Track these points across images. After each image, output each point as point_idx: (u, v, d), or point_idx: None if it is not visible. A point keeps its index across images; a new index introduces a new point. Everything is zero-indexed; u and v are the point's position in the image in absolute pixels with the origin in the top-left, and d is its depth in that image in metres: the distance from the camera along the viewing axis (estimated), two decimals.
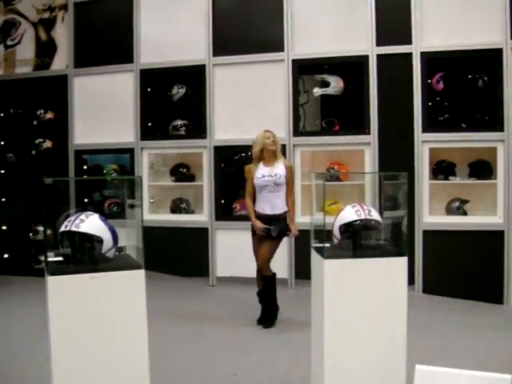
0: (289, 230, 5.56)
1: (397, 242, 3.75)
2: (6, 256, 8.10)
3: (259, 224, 5.46)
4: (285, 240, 7.02)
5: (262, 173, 5.49)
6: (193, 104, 7.66)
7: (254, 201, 5.63)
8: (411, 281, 6.58)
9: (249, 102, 7.28)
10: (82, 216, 3.24)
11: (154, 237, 7.36)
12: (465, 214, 6.70)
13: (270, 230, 5.43)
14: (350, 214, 3.64)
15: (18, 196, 8.14)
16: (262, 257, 5.53)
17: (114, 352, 3.09)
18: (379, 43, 6.80)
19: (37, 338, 3.91)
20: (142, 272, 3.17)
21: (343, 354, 3.45)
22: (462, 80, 6.68)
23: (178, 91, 7.61)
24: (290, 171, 5.58)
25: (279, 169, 5.50)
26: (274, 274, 5.64)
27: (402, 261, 3.50)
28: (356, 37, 6.91)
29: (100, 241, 3.22)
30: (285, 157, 6.08)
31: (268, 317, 5.59)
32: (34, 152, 8.15)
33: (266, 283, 5.59)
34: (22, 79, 8.26)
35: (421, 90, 6.64)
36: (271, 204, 5.50)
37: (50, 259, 3.20)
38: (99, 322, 3.06)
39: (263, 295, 5.66)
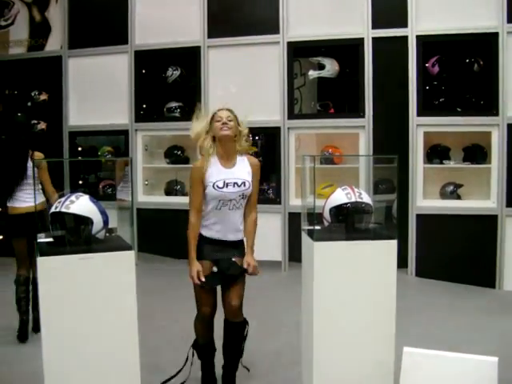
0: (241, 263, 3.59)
1: (387, 225, 3.76)
2: (0, 237, 8.05)
3: (196, 269, 3.49)
4: (279, 222, 7.02)
5: (222, 177, 3.49)
6: (187, 86, 7.60)
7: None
8: (404, 264, 6.61)
9: (244, 84, 7.23)
10: (72, 197, 3.24)
11: (148, 219, 7.44)
12: (459, 198, 6.71)
13: (214, 274, 3.55)
14: (340, 196, 3.64)
15: None
16: (234, 306, 3.59)
17: (104, 333, 3.10)
18: (375, 26, 6.75)
19: None
20: (132, 253, 3.17)
21: (332, 336, 3.48)
22: (457, 64, 6.65)
23: (173, 73, 7.56)
24: (257, 172, 3.63)
25: (245, 171, 3.57)
26: (246, 320, 3.72)
27: (392, 244, 3.51)
28: (352, 19, 6.86)
29: (90, 222, 3.22)
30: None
31: None
32: None
33: (234, 331, 3.69)
34: (15, 60, 8.19)
35: (416, 74, 6.61)
36: (233, 227, 3.58)
37: (40, 240, 3.22)
38: (89, 304, 3.06)
39: (209, 351, 3.83)
